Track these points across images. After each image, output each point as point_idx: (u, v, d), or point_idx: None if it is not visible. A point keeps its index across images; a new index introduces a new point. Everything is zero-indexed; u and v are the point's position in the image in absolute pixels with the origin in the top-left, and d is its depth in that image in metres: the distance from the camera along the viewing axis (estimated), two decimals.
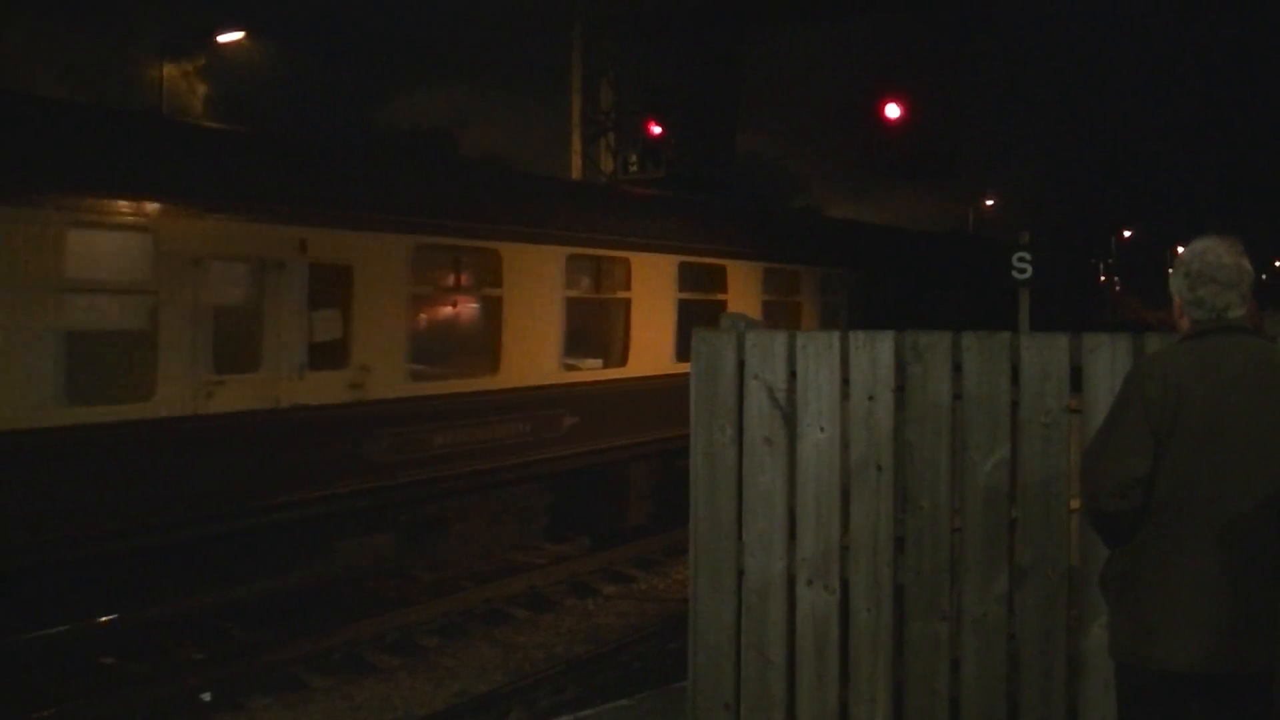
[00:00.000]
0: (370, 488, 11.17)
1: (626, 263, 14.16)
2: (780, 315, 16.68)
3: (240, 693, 9.35)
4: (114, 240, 9.25)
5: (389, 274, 11.11)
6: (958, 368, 4.80)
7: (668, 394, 11.67)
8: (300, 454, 10.40)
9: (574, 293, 13.48)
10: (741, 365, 5.06)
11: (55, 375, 8.69)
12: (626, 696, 7.66)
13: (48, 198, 8.60)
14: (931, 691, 4.81)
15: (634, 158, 23.36)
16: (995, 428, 4.75)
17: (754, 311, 15.27)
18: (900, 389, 4.86)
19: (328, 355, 10.61)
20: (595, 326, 14.35)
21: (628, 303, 14.19)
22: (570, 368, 13.55)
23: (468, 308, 13.23)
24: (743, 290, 15.95)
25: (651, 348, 14.48)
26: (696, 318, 13.47)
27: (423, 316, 12.23)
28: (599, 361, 14.20)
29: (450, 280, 12.61)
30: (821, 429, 4.93)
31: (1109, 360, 4.58)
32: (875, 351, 4.88)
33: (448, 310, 13.12)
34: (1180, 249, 4.07)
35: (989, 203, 57.17)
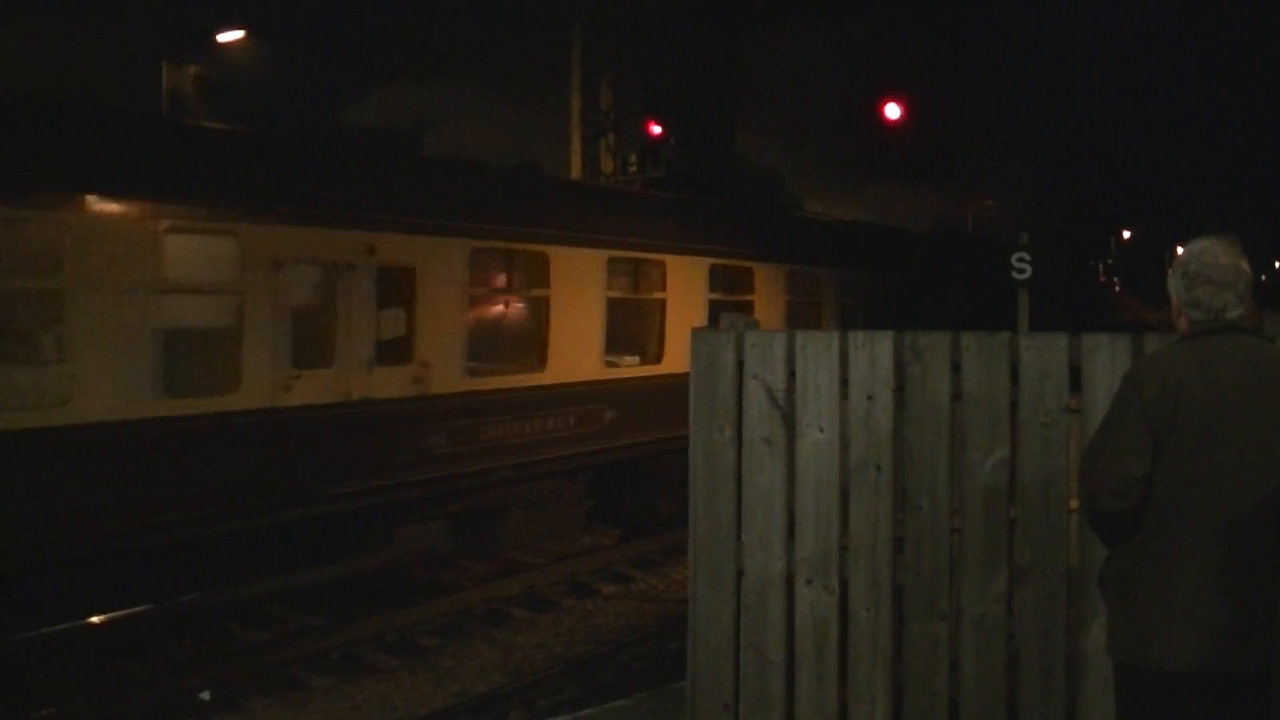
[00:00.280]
0: (430, 478, 11.76)
1: (662, 265, 14.82)
2: (802, 316, 17.40)
3: (240, 692, 9.35)
4: (204, 245, 9.86)
5: (448, 276, 11.79)
6: (957, 368, 4.80)
7: None
8: (368, 445, 11.01)
9: (614, 293, 14.09)
10: (741, 365, 5.06)
11: (154, 370, 9.32)
12: (626, 696, 7.66)
13: (148, 206, 9.25)
14: (931, 691, 4.81)
15: (633, 157, 23.38)
16: (994, 428, 4.75)
17: (779, 312, 16.77)
18: (899, 389, 4.86)
19: (393, 352, 11.26)
20: (633, 325, 14.84)
21: (663, 303, 14.83)
22: (610, 365, 14.10)
23: (518, 307, 13.85)
24: (768, 291, 16.72)
25: (685, 346, 14.76)
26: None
27: (477, 315, 12.82)
28: (636, 359, 14.68)
29: (502, 281, 13.33)
30: (821, 429, 4.93)
31: (1108, 360, 4.59)
32: (874, 351, 4.88)
33: (500, 309, 13.78)
34: (1180, 249, 4.07)
35: (988, 202, 57.17)
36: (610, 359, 14.09)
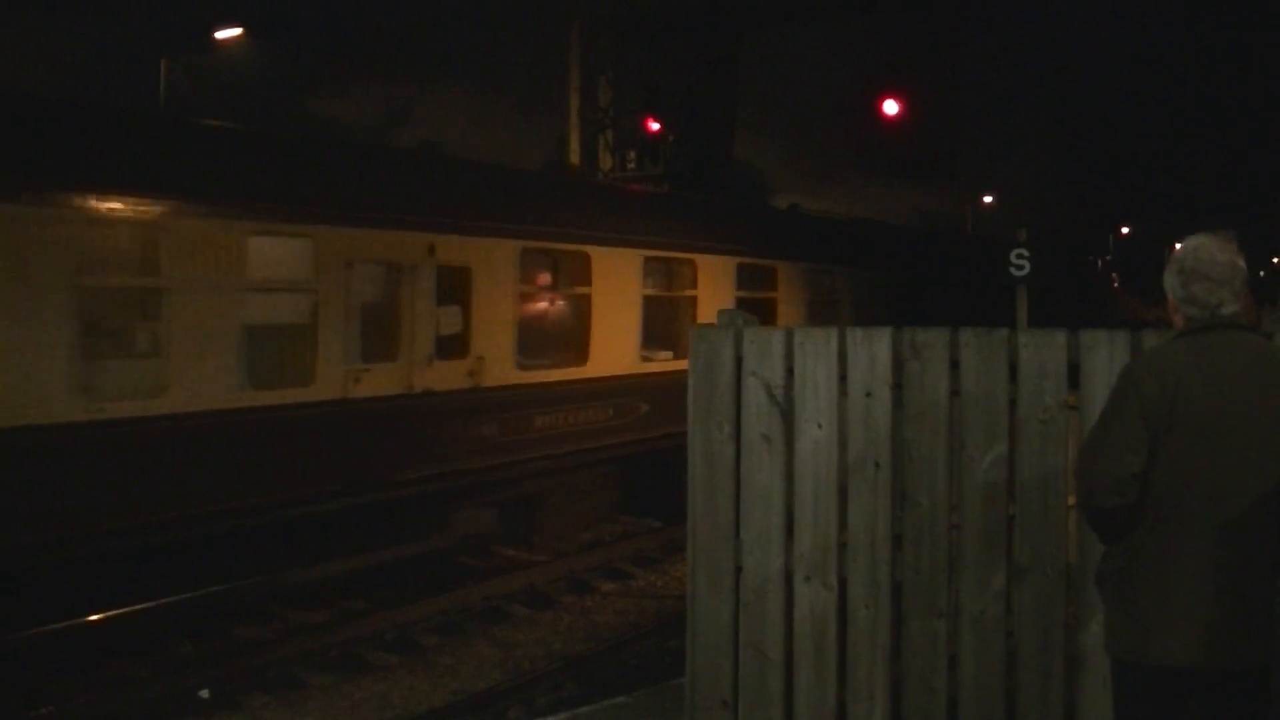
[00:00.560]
0: (482, 466, 12.53)
1: (693, 264, 15.62)
2: (822, 313, 18.11)
3: (239, 690, 9.35)
4: (283, 246, 10.57)
5: (500, 274, 12.57)
6: (955, 365, 4.79)
7: None
8: (428, 434, 11.75)
9: (649, 291, 14.85)
10: (739, 363, 5.06)
11: (240, 363, 10.01)
12: (625, 694, 7.65)
13: (235, 210, 10.00)
14: (930, 689, 4.81)
15: (632, 155, 23.38)
16: (993, 425, 4.75)
17: (801, 309, 17.73)
18: (898, 386, 4.85)
19: (451, 346, 12.02)
20: (666, 322, 15.45)
21: (694, 300, 15.51)
22: (646, 359, 14.68)
23: (561, 304, 14.57)
24: (790, 289, 17.62)
25: None
26: (751, 313, 14.01)
27: (526, 312, 13.49)
28: (669, 354, 15.11)
29: (548, 280, 14.15)
30: (819, 426, 4.92)
31: (1107, 357, 4.58)
32: (873, 349, 4.87)
33: (545, 306, 14.47)
34: (1178, 246, 4.06)
35: (987, 200, 57.15)
36: (645, 354, 14.71)
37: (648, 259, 14.73)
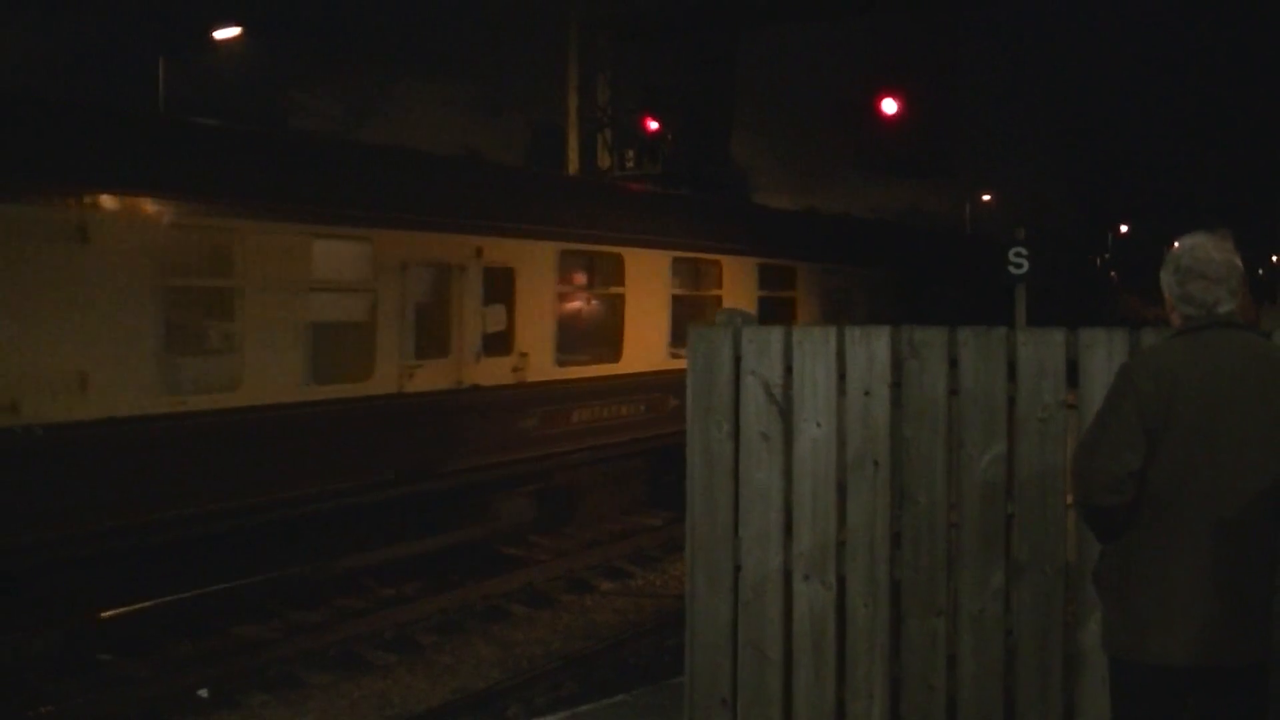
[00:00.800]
0: (524, 457, 13.26)
1: (719, 264, 16.38)
2: (838, 310, 18.77)
3: (238, 690, 9.35)
4: (344, 249, 11.26)
5: (541, 275, 13.33)
6: (954, 363, 4.79)
7: None
8: (475, 427, 12.42)
9: (678, 290, 15.59)
10: (738, 361, 5.05)
11: (305, 359, 10.67)
12: (624, 692, 7.66)
13: (301, 214, 10.67)
14: (929, 687, 4.81)
15: (630, 154, 23.37)
16: (992, 423, 4.74)
17: (818, 307, 18.48)
18: (897, 385, 4.85)
19: (496, 343, 12.74)
20: (694, 320, 15.85)
21: (720, 299, 16.07)
22: (675, 356, 14.91)
23: (597, 303, 15.26)
24: (808, 289, 18.41)
25: None
26: (773, 312, 16.56)
27: (564, 310, 14.22)
28: None
29: (584, 280, 14.84)
30: (818, 425, 4.92)
31: (1105, 356, 4.58)
32: (871, 347, 4.87)
33: (582, 305, 15.17)
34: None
35: (985, 198, 57.17)
36: (675, 351, 14.92)
37: (676, 260, 15.46)
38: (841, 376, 4.91)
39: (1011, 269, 11.87)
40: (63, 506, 8.98)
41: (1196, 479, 3.67)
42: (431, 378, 11.87)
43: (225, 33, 29.70)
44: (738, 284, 16.52)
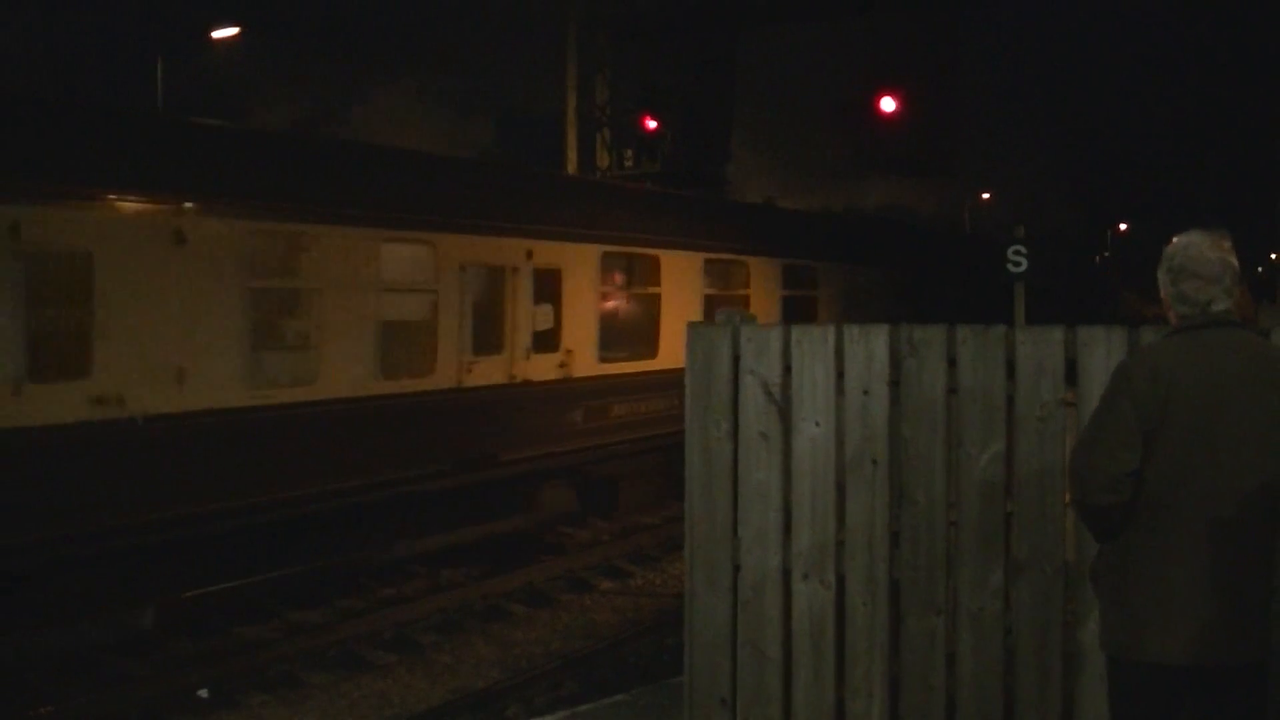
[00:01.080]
0: (569, 449, 14.00)
1: (745, 265, 17.14)
2: (856, 309, 19.34)
3: (238, 690, 9.34)
4: (409, 252, 11.97)
5: (585, 276, 14.13)
6: (953, 362, 4.79)
7: None
8: (525, 419, 13.19)
9: (710, 290, 16.23)
10: (737, 360, 5.05)
11: (375, 356, 11.47)
12: (623, 692, 7.65)
13: (370, 220, 11.45)
14: (928, 686, 4.81)
15: (629, 153, 23.38)
16: (990, 422, 4.74)
17: (837, 305, 19.14)
18: (895, 384, 4.85)
19: (545, 340, 13.52)
20: None
21: (747, 299, 16.84)
22: None
23: (635, 302, 15.85)
24: (829, 288, 19.24)
25: None
26: (795, 310, 17.47)
27: (606, 309, 14.93)
28: None
29: (624, 280, 15.47)
30: (817, 424, 4.92)
31: (1104, 354, 4.57)
32: (870, 346, 4.86)
33: (622, 304, 15.74)
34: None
35: (985, 197, 57.12)
36: None
37: (708, 260, 16.22)
38: (840, 375, 4.91)
39: (1010, 267, 11.86)
40: (163, 492, 9.67)
41: (1193, 478, 3.66)
42: (487, 373, 12.69)
43: (223, 33, 29.69)
44: (764, 284, 17.31)
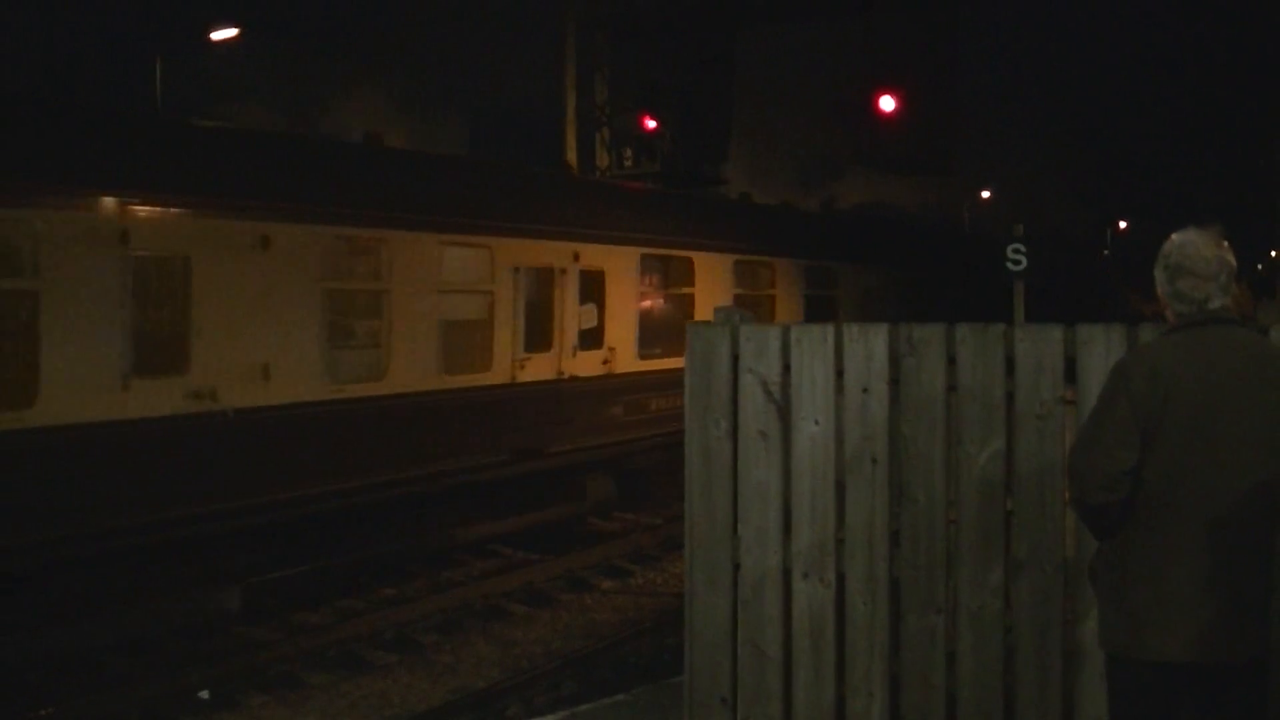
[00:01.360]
0: (611, 441, 14.77)
1: (772, 266, 17.97)
2: (874, 308, 19.92)
3: (238, 690, 9.35)
4: (468, 255, 12.76)
5: (625, 277, 14.98)
6: (952, 360, 4.79)
7: None
8: (572, 413, 13.93)
9: (739, 290, 16.98)
10: (736, 359, 5.05)
11: (438, 353, 12.24)
12: (623, 691, 7.65)
13: (434, 226, 12.23)
14: (928, 685, 4.80)
15: (629, 153, 23.37)
16: (990, 420, 4.74)
17: (856, 304, 19.79)
18: (895, 382, 4.85)
19: (589, 338, 14.33)
20: (753, 316, 17.32)
21: (772, 298, 17.84)
22: None
23: (671, 301, 16.54)
24: (849, 288, 20.02)
25: None
26: (817, 309, 18.38)
27: (644, 308, 15.74)
28: None
29: (661, 280, 16.23)
30: (816, 422, 4.92)
31: (1103, 352, 4.57)
32: (869, 344, 4.86)
33: (658, 303, 16.48)
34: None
35: (984, 195, 57.12)
36: None
37: (737, 262, 17.02)
38: (839, 374, 4.90)
39: (1010, 265, 11.86)
40: (249, 480, 10.41)
41: (1192, 476, 3.66)
42: (538, 369, 13.50)
43: (222, 33, 29.67)
44: (787, 284, 18.12)
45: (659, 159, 23.31)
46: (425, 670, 10.14)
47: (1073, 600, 4.66)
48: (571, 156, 23.21)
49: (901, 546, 4.85)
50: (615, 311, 14.73)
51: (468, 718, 9.05)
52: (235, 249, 10.23)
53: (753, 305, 16.96)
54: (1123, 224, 71.05)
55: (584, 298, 14.21)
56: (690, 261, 16.12)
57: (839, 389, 4.91)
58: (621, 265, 14.83)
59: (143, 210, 9.59)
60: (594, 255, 14.32)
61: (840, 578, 4.91)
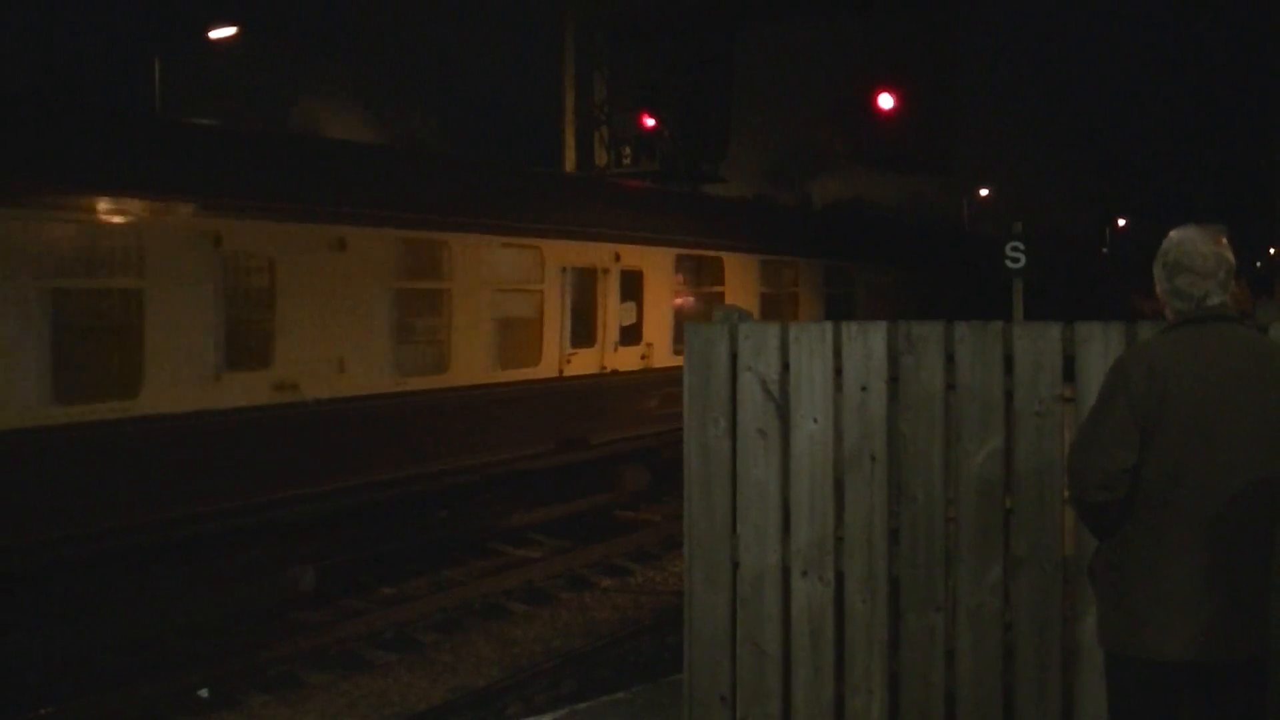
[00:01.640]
0: (647, 433, 15.10)
1: (795, 266, 18.68)
2: (890, 306, 20.35)
3: (238, 689, 9.34)
4: (521, 256, 13.46)
5: (662, 276, 15.67)
6: (951, 358, 4.79)
7: None
8: (613, 405, 14.66)
9: (765, 289, 17.71)
10: (734, 358, 5.05)
11: (493, 349, 13.00)
12: (623, 690, 7.65)
13: (491, 229, 12.96)
14: (927, 683, 4.81)
15: (627, 151, 23.36)
16: (989, 418, 4.74)
17: (871, 303, 20.31)
18: (894, 380, 4.85)
19: (629, 334, 15.04)
20: (777, 314, 18.05)
21: (795, 296, 18.54)
22: None
23: (703, 300, 16.88)
24: (867, 287, 20.65)
25: None
26: (836, 307, 19.08)
27: (678, 306, 16.28)
28: None
29: (693, 279, 16.78)
30: (815, 420, 4.92)
31: (1102, 350, 4.57)
32: (868, 342, 4.86)
33: (691, 301, 16.94)
34: None
35: (983, 193, 57.12)
36: None
37: (763, 261, 17.66)
38: (838, 372, 4.91)
39: (1009, 263, 11.87)
40: (327, 466, 11.06)
41: (1191, 475, 3.66)
42: (583, 364, 14.22)
43: (220, 32, 29.67)
44: (809, 284, 18.81)
45: (658, 157, 23.31)
46: (425, 669, 10.14)
47: (1072, 598, 4.66)
48: (570, 155, 23.21)
49: (900, 545, 4.85)
50: (652, 309, 15.43)
51: (467, 716, 9.05)
52: (314, 251, 10.93)
53: (777, 303, 18.06)
54: (1121, 222, 71.06)
55: (624, 296, 14.92)
56: (720, 261, 16.85)
57: (838, 387, 4.91)
58: (658, 265, 15.58)
59: (233, 215, 10.29)
60: (633, 256, 15.05)
61: (839, 576, 4.92)
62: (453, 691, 9.54)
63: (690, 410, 5.14)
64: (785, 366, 4.97)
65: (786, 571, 4.97)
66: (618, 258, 14.76)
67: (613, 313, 14.75)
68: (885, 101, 22.82)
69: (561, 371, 13.90)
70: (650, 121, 23.38)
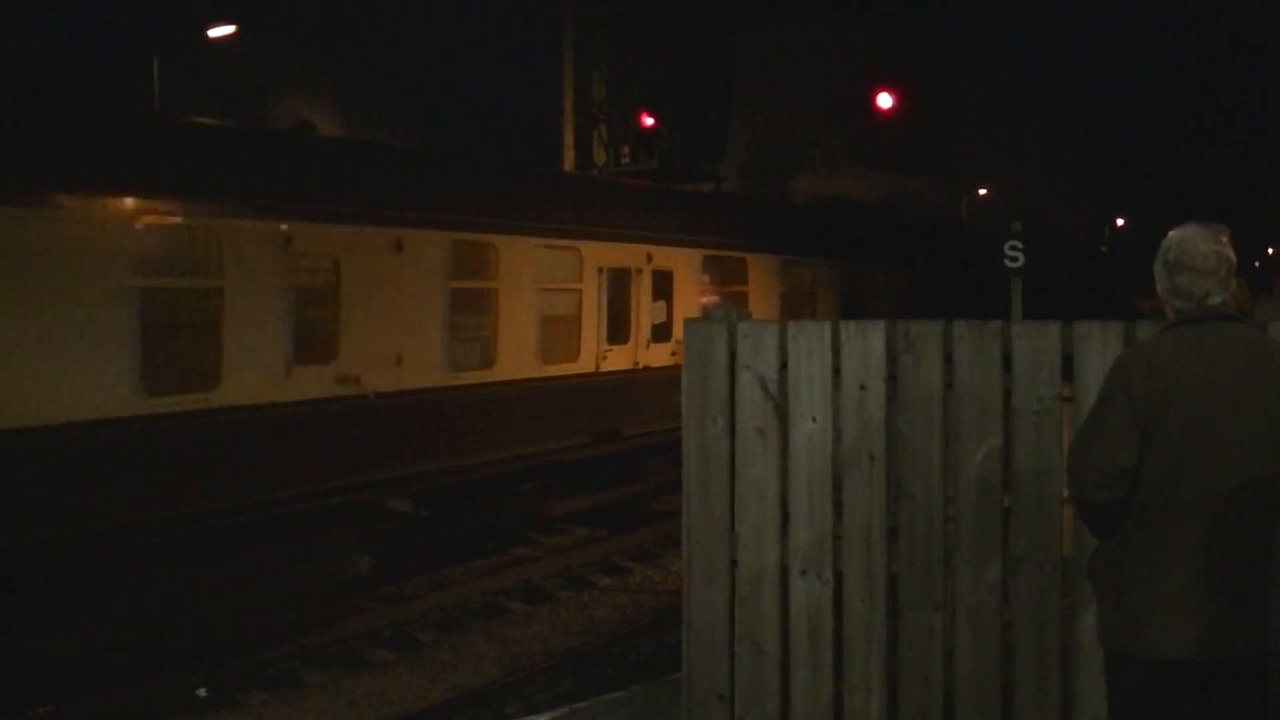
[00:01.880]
0: (675, 427, 13.95)
1: (813, 266, 19.25)
2: (905, 306, 20.71)
3: (237, 689, 9.34)
4: (561, 257, 14.03)
5: (689, 276, 16.21)
6: (949, 357, 4.79)
7: None
8: (644, 400, 15.12)
9: (785, 288, 18.31)
10: (733, 356, 5.05)
11: (537, 345, 13.55)
12: (622, 688, 7.64)
13: (535, 231, 13.54)
14: (926, 681, 4.81)
15: (626, 149, 23.36)
16: (987, 417, 4.74)
17: (885, 302, 20.58)
18: (892, 379, 4.85)
19: (660, 332, 15.58)
20: (795, 313, 18.60)
21: (813, 296, 19.14)
22: None
23: (727, 299, 16.82)
24: (880, 287, 21.15)
25: None
26: (849, 305, 19.57)
27: (705, 304, 16.50)
28: None
29: (719, 279, 17.14)
30: (814, 419, 4.92)
31: (1100, 348, 4.57)
32: (866, 341, 4.86)
33: (717, 300, 16.96)
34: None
35: (982, 192, 57.11)
36: None
37: (784, 262, 18.26)
38: (837, 371, 4.90)
39: (1007, 262, 11.86)
40: (386, 456, 11.62)
41: (1191, 474, 3.65)
42: (617, 360, 14.82)
43: (219, 31, 29.65)
44: (826, 284, 19.41)
45: (657, 156, 23.30)
46: (424, 668, 10.14)
47: (1071, 597, 4.66)
48: (569, 154, 23.21)
49: (899, 543, 4.85)
50: (682, 307, 15.83)
51: (466, 715, 9.05)
52: (375, 252, 11.54)
53: (796, 302, 18.66)
54: (1121, 222, 71.06)
55: (655, 295, 15.52)
56: (744, 262, 17.40)
57: (836, 386, 4.91)
58: (687, 265, 16.17)
59: (303, 218, 10.89)
60: (664, 256, 15.65)
61: (838, 575, 4.92)
62: (452, 690, 9.54)
63: (689, 409, 5.14)
64: (784, 365, 4.97)
65: (785, 570, 4.97)
66: (649, 258, 15.34)
67: (645, 311, 15.34)
68: (884, 101, 22.84)
69: (598, 367, 14.49)
70: (649, 120, 23.39)
